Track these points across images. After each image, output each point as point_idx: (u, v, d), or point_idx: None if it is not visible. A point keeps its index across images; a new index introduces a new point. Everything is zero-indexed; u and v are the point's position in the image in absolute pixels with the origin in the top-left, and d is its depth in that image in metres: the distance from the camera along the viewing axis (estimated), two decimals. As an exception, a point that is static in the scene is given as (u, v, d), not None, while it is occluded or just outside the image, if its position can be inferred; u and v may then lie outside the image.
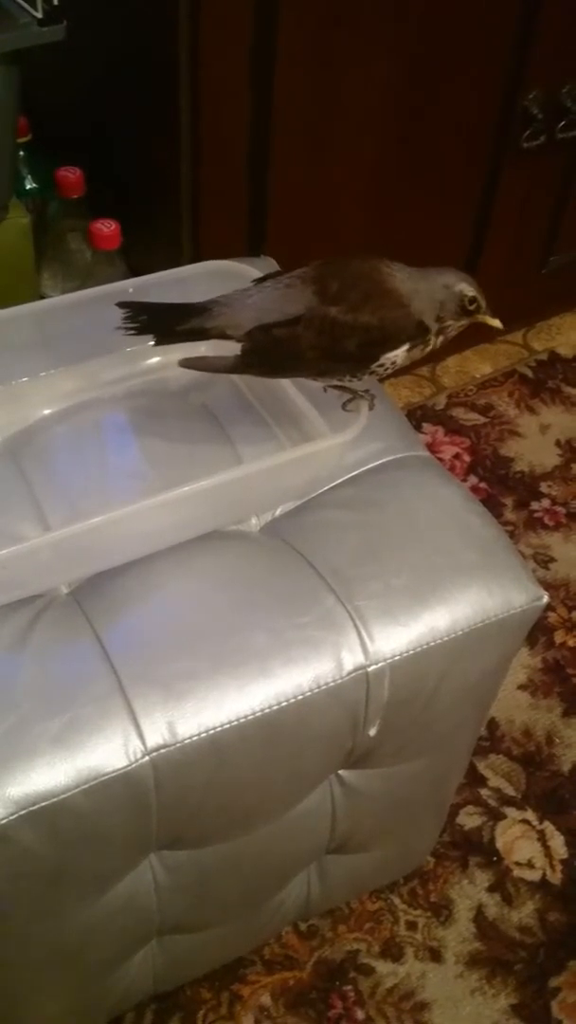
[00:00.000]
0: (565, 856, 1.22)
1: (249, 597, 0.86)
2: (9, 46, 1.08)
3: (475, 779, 1.27)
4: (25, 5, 1.07)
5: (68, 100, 1.39)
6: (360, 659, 0.84)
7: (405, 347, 0.89)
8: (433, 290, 0.88)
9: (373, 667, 0.84)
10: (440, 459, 1.51)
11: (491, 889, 1.19)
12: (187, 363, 0.94)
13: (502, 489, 1.60)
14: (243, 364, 0.91)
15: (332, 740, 0.87)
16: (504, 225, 1.59)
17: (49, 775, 0.75)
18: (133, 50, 1.26)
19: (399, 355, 0.90)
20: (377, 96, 1.32)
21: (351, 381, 0.93)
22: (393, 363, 0.90)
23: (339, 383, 0.94)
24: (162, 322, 0.91)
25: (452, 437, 1.67)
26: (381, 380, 0.95)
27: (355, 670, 0.84)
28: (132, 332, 0.90)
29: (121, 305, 0.90)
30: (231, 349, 0.92)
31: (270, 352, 0.90)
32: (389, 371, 0.91)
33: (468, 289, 0.88)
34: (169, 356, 0.99)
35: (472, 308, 0.89)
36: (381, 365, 0.90)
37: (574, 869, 1.21)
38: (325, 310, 0.87)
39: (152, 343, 0.92)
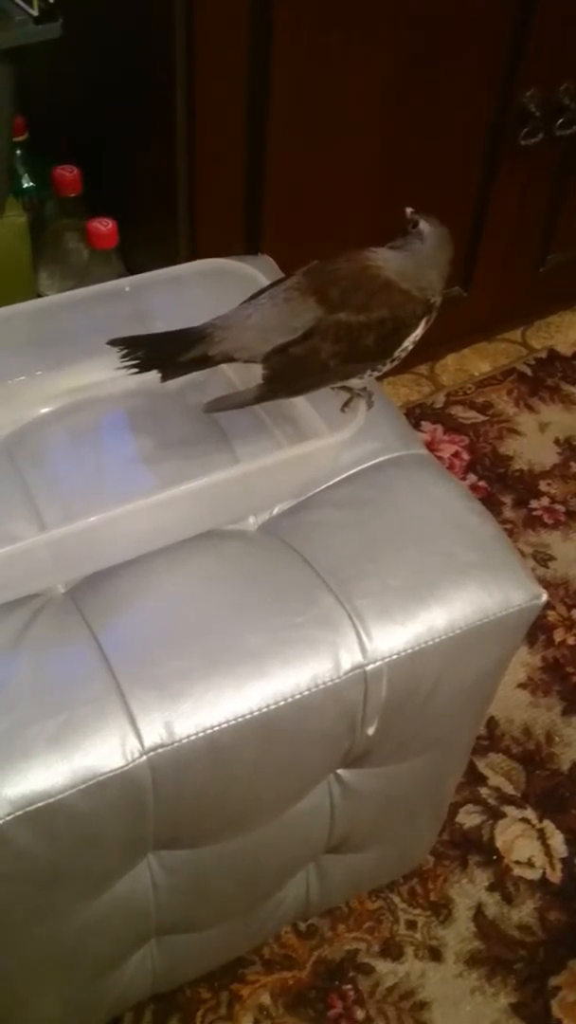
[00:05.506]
0: (565, 855, 1.22)
1: (246, 596, 0.86)
2: (5, 44, 1.08)
3: (474, 778, 1.27)
4: (21, 3, 1.07)
5: (65, 98, 1.39)
6: (358, 658, 0.84)
7: (422, 324, 0.91)
8: (431, 264, 0.90)
9: (371, 666, 0.84)
10: (439, 457, 1.50)
11: (491, 888, 1.19)
12: (212, 407, 0.92)
13: (501, 487, 1.59)
14: (268, 391, 0.89)
15: (330, 739, 0.87)
16: (502, 223, 1.59)
17: (46, 775, 0.74)
18: (130, 48, 1.25)
19: (418, 334, 0.91)
20: (374, 94, 1.32)
21: (371, 375, 0.93)
22: (414, 342, 0.91)
23: (344, 384, 0.93)
24: (163, 355, 0.88)
25: (451, 435, 1.66)
26: (384, 376, 0.95)
27: (353, 669, 0.84)
28: (134, 370, 0.87)
29: (114, 343, 0.87)
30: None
31: (292, 371, 0.88)
32: (409, 350, 0.92)
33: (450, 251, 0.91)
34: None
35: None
36: (404, 349, 0.91)
37: (574, 868, 1.21)
38: (335, 317, 0.87)
39: (160, 379, 0.89)
